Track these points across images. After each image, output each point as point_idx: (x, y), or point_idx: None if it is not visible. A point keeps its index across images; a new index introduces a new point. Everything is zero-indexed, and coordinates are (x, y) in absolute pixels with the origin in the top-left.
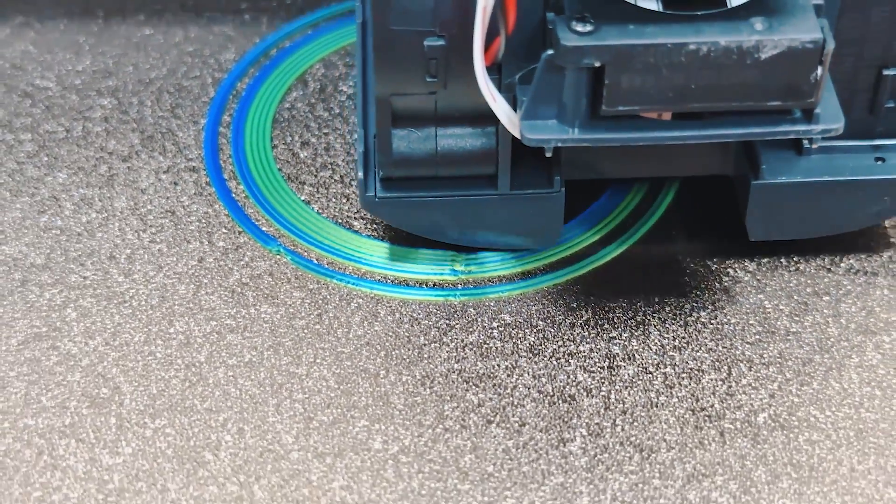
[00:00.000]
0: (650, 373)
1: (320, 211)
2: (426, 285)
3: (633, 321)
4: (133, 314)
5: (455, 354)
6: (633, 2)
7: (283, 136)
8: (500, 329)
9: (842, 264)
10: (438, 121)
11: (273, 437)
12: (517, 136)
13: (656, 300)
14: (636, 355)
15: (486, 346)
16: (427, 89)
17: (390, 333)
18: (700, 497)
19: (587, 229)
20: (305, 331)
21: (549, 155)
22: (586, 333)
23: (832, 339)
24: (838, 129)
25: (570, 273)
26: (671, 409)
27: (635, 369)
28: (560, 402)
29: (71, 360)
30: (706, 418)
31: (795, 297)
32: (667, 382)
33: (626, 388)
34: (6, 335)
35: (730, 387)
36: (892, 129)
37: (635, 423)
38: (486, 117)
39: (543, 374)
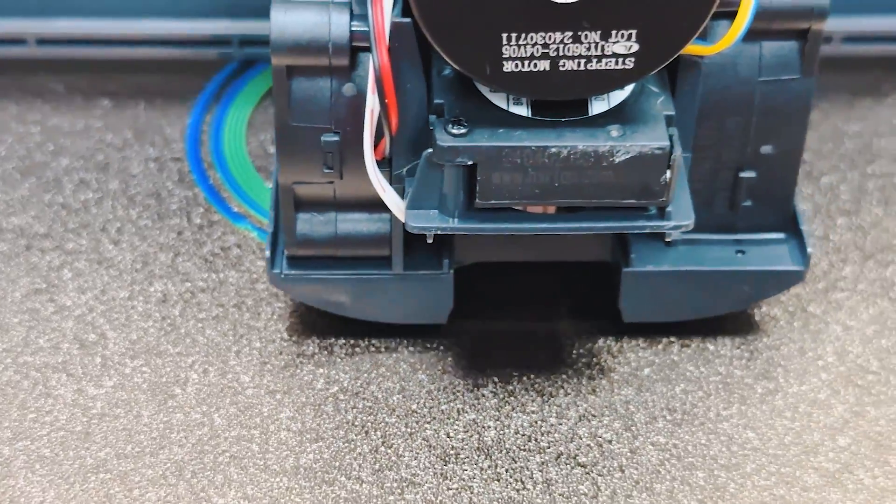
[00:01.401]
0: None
1: None
2: None
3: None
4: (119, 275)
5: None
6: (505, 108)
7: (256, 134)
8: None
9: (706, 343)
10: (338, 207)
11: (232, 377)
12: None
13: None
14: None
15: None
16: (325, 179)
17: None
18: (589, 433)
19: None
20: (265, 293)
21: (430, 241)
22: None
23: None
24: (688, 225)
25: None
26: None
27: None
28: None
29: (65, 310)
30: (600, 371)
31: (668, 373)
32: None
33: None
34: (11, 289)
35: (621, 346)
36: (752, 225)
37: (540, 375)
38: (380, 205)
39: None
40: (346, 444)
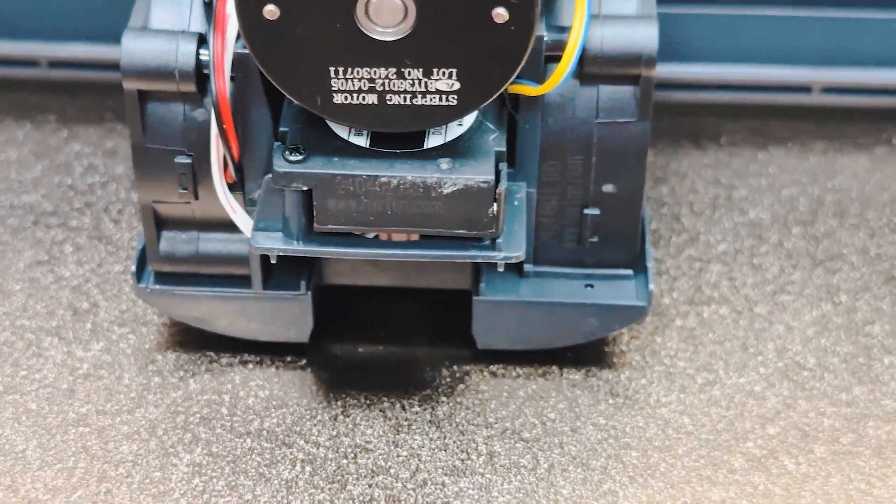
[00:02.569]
0: None
1: None
2: None
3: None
4: (116, 251)
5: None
6: (345, 138)
7: None
8: None
9: (655, 336)
10: (199, 226)
11: (210, 348)
12: None
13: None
14: None
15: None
16: (181, 199)
17: None
18: (535, 412)
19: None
20: None
21: (273, 262)
22: None
23: None
24: (519, 256)
25: None
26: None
27: None
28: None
29: (63, 281)
30: (551, 357)
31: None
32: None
33: None
34: (16, 259)
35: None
36: (600, 261)
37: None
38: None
39: None
40: (308, 412)
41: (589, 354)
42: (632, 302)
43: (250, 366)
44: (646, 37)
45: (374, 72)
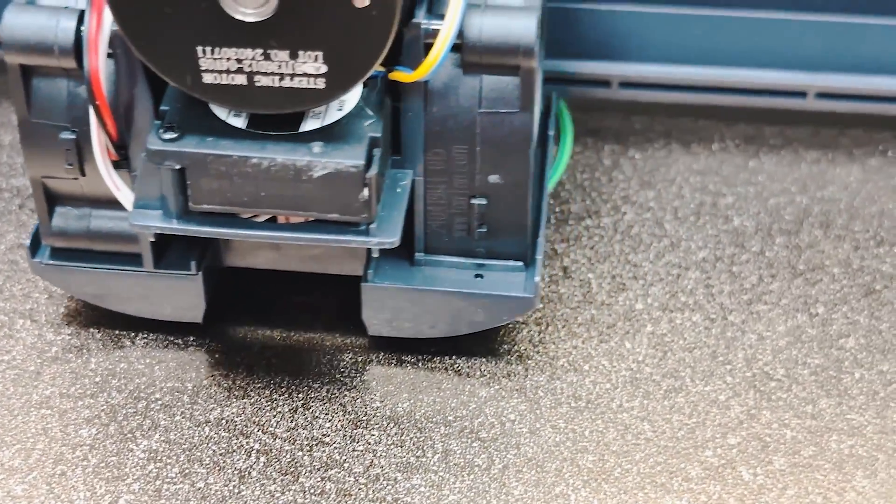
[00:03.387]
0: None
1: None
2: None
3: None
4: None
5: None
6: (223, 119)
7: None
8: None
9: (624, 341)
10: (91, 203)
11: (177, 335)
12: None
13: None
14: None
15: None
16: (70, 175)
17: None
18: (495, 412)
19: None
20: None
21: (151, 240)
22: None
23: None
24: (393, 243)
25: None
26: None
27: None
28: None
29: None
30: (518, 357)
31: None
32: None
33: None
34: None
35: (543, 337)
36: (491, 252)
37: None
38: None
39: None
40: (269, 403)
41: (555, 357)
42: (518, 293)
43: (217, 354)
44: (523, 27)
45: (241, 52)
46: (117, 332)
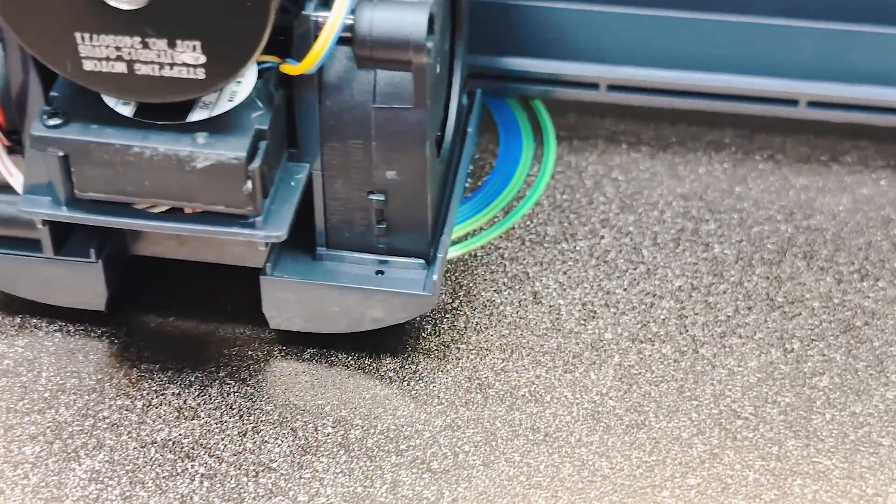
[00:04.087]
0: None
1: None
2: None
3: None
4: None
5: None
6: (111, 107)
7: None
8: None
9: (590, 372)
10: None
11: (134, 351)
12: None
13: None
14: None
15: None
16: None
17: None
18: (449, 443)
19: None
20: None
21: (39, 226)
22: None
23: None
24: (280, 236)
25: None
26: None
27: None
28: None
29: None
30: (479, 386)
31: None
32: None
33: None
34: None
35: (506, 365)
36: (391, 248)
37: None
38: None
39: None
40: (219, 425)
41: (517, 387)
42: (416, 291)
43: (169, 371)
44: (414, 23)
45: (120, 40)
46: (71, 346)
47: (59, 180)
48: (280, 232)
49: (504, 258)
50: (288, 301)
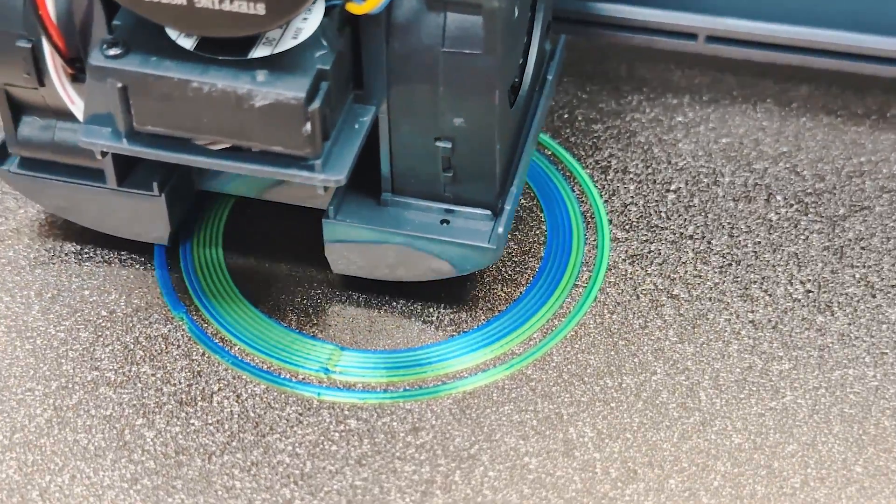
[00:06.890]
0: None
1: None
2: (294, 377)
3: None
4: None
5: (290, 448)
6: (173, 39)
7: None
8: (340, 433)
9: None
10: (56, 114)
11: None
12: None
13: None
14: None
15: (320, 446)
16: (29, 84)
17: (243, 415)
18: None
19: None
20: (172, 397)
21: (99, 157)
22: (418, 456)
23: None
24: (340, 181)
25: (433, 393)
26: None
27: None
28: None
29: None
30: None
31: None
32: None
33: None
34: None
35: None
36: (458, 197)
37: None
38: None
39: (360, 486)
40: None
41: None
42: (481, 243)
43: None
44: None
45: None
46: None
47: (118, 112)
48: (339, 176)
49: (536, 393)
50: (347, 246)
